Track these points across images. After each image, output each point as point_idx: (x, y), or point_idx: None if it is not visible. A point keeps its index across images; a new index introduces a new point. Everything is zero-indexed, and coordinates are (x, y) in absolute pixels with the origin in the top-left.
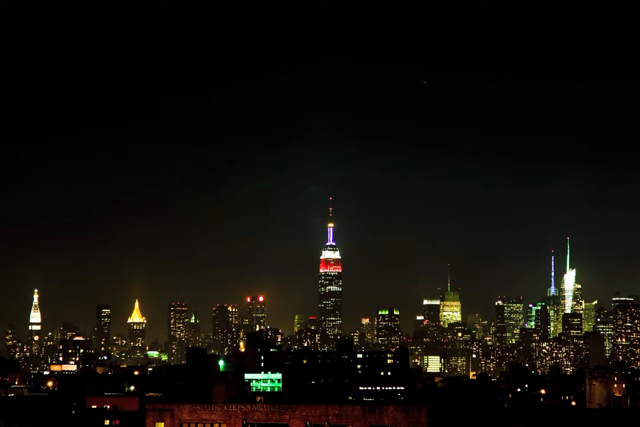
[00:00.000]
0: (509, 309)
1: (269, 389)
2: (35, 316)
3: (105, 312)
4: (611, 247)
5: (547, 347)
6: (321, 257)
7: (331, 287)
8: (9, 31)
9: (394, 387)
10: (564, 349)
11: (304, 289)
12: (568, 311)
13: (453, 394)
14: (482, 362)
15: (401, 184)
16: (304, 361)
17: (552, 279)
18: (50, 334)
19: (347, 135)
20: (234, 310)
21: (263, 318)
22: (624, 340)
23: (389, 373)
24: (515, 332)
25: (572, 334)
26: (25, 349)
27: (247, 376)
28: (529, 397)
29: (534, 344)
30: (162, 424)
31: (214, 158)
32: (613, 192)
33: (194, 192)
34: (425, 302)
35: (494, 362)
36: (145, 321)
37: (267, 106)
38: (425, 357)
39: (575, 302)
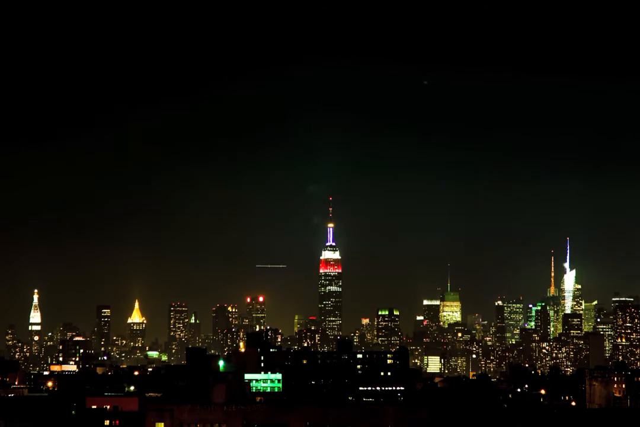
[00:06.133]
0: (509, 309)
1: (268, 390)
2: (35, 316)
3: (105, 312)
4: (611, 248)
5: (547, 347)
6: (321, 258)
7: (331, 288)
8: (7, 29)
9: (394, 388)
10: (564, 349)
11: (304, 289)
12: (568, 311)
13: (453, 394)
14: (482, 362)
15: (401, 184)
16: (304, 361)
17: (552, 279)
18: (50, 334)
19: (347, 135)
20: (234, 310)
21: (263, 318)
22: (623, 340)
23: (389, 373)
24: (515, 332)
25: (572, 334)
26: (25, 349)
27: (247, 376)
28: (529, 397)
29: (534, 344)
30: (162, 424)
31: (213, 157)
32: (613, 192)
33: (193, 192)
34: (425, 302)
35: (494, 363)
36: (145, 321)
37: (267, 105)
38: (425, 357)
39: (575, 303)
